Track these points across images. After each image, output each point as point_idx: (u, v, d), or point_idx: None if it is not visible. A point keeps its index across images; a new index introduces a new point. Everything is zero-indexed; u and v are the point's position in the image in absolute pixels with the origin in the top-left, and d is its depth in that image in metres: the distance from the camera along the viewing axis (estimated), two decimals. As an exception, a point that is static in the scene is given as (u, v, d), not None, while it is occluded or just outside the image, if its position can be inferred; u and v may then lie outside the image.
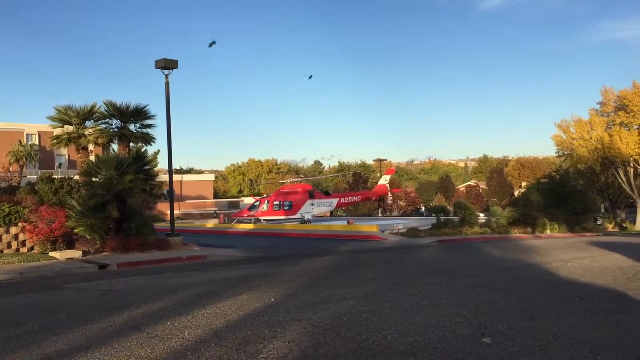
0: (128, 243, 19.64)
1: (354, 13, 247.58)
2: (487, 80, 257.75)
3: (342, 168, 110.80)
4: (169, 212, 24.42)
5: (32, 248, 19.42)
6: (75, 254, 18.35)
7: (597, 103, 52.71)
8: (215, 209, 65.54)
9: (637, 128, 48.41)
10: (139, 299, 9.86)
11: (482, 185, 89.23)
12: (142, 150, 26.95)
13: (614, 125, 49.61)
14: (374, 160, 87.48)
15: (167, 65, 22.67)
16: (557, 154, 58.42)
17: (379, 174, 57.87)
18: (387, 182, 52.91)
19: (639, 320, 7.42)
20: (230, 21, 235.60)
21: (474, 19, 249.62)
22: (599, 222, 44.39)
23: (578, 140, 50.75)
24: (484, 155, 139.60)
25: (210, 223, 47.32)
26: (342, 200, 49.48)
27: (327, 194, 50.89)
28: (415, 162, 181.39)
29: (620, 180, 49.89)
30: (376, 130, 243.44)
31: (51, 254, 18.39)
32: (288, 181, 51.15)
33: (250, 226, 39.54)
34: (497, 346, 6.15)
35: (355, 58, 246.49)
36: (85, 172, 21.24)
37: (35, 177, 25.35)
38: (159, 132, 70.99)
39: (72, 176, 24.79)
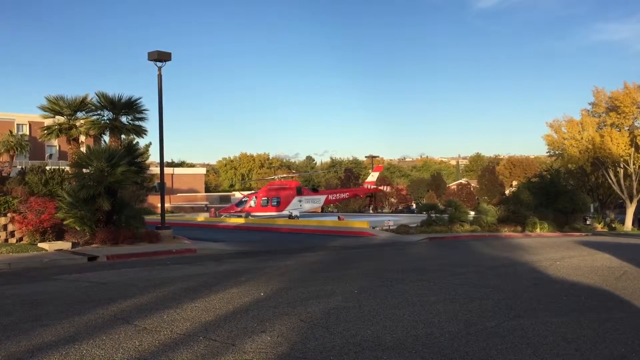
0: (118, 235, 19.52)
1: (349, 11, 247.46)
2: (481, 79, 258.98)
3: (334, 164, 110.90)
4: (159, 205, 24.30)
5: (21, 239, 19.29)
6: (65, 245, 18.25)
7: (589, 104, 53.17)
8: (207, 202, 65.21)
9: (628, 129, 48.78)
10: (128, 292, 9.83)
11: (474, 184, 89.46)
12: (134, 142, 26.80)
13: (605, 126, 49.98)
14: (365, 157, 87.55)
15: (160, 57, 22.47)
16: (548, 154, 58.79)
17: (370, 171, 57.96)
18: (375, 179, 53.13)
19: (625, 319, 7.48)
20: (226, 17, 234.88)
21: (468, 18, 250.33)
22: (588, 222, 44.61)
23: (569, 140, 51.09)
24: (477, 153, 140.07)
25: (201, 217, 47.16)
26: (330, 197, 49.52)
27: (315, 191, 50.85)
28: (407, 160, 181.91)
29: (610, 181, 50.26)
30: (369, 127, 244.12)
31: (40, 245, 18.26)
32: (275, 177, 51.06)
33: (241, 220, 39.47)
34: (485, 343, 6.19)
35: (349, 56, 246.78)
36: (76, 164, 21.06)
37: (24, 167, 25.11)
38: (150, 125, 70.56)
39: (63, 167, 24.59)
